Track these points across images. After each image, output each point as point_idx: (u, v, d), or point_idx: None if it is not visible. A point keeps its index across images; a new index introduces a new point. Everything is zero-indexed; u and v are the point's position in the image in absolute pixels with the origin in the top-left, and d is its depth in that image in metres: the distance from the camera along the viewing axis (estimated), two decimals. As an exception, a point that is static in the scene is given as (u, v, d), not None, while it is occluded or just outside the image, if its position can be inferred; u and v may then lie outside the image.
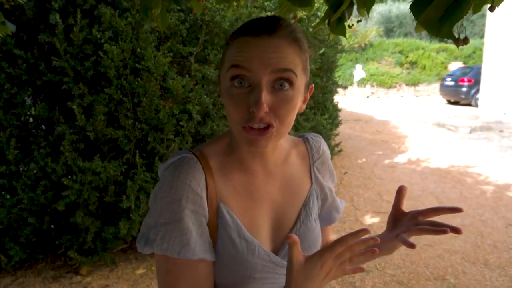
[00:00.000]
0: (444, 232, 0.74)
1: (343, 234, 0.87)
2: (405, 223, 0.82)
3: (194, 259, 0.70)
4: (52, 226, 2.95)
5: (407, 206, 3.95)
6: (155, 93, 2.89)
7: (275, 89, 0.66)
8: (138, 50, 2.84)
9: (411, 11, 0.58)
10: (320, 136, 0.93)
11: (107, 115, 2.82)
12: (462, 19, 0.54)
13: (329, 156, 0.93)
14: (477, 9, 0.66)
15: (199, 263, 0.71)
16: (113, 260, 3.07)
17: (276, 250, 0.79)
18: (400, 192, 0.84)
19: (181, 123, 2.98)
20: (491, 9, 0.66)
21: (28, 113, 2.79)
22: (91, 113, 2.76)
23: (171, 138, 2.96)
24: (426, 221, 0.81)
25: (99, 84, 2.85)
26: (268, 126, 0.67)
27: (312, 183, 0.87)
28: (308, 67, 0.74)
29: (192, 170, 0.71)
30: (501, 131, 9.15)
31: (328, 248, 0.62)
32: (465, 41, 0.67)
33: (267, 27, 0.67)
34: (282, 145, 0.85)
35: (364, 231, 0.62)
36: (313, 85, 0.79)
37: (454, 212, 0.80)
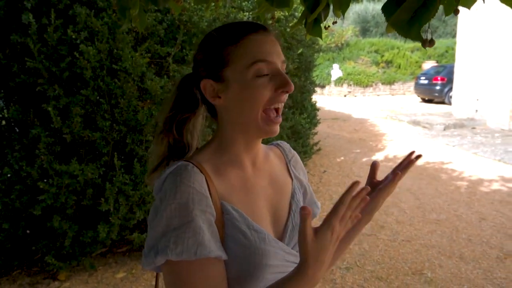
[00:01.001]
0: (396, 175, 0.86)
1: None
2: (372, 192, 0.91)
3: (211, 256, 0.70)
4: (28, 231, 2.88)
5: (386, 202, 4.02)
6: (133, 94, 2.86)
7: None
8: (115, 50, 2.81)
9: (382, 12, 0.61)
10: (286, 142, 1.04)
11: (84, 117, 2.77)
12: (429, 22, 0.56)
13: (298, 156, 1.03)
14: (449, 11, 0.69)
15: (216, 261, 0.72)
16: (92, 265, 3.02)
17: (279, 239, 0.83)
18: (374, 166, 0.94)
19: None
20: (456, 12, 0.69)
21: (1, 115, 2.72)
22: (67, 115, 2.70)
23: (150, 140, 2.94)
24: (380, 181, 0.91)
25: (75, 85, 2.79)
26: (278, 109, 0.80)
27: (292, 179, 0.95)
28: None
29: (193, 173, 0.74)
30: (473, 128, 9.44)
31: (332, 213, 0.64)
32: (431, 42, 0.70)
33: (261, 25, 0.80)
34: (260, 145, 0.91)
35: (356, 183, 0.64)
36: None
37: (414, 161, 0.89)
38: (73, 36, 2.67)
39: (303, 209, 0.62)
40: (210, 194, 0.74)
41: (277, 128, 0.79)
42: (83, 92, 2.70)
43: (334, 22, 1.24)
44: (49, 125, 2.68)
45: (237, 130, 0.81)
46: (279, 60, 0.79)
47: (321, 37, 1.03)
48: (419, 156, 0.88)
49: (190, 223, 0.69)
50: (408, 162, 0.88)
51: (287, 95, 0.80)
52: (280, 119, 0.80)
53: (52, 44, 2.65)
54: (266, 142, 0.93)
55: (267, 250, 0.76)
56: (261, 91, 0.76)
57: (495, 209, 4.36)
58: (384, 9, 0.60)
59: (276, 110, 0.79)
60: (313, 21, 0.96)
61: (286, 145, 1.02)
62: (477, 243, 3.55)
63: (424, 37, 0.63)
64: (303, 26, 1.10)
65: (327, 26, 1.10)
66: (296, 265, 0.73)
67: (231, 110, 0.80)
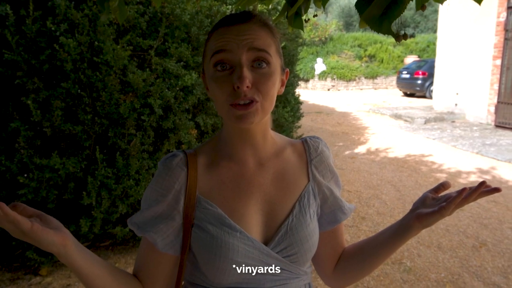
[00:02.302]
0: (494, 190, 0.74)
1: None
2: (430, 204, 0.81)
3: (148, 239, 0.79)
4: (8, 226, 2.84)
5: (368, 194, 4.09)
6: (115, 87, 2.83)
7: (254, 68, 0.74)
8: (96, 43, 2.77)
9: (355, 8, 0.63)
10: (321, 138, 0.95)
11: (65, 110, 2.73)
12: (400, 17, 0.59)
13: (330, 156, 0.93)
14: (418, 5, 0.72)
15: (150, 245, 0.80)
16: (75, 259, 3.00)
17: (266, 241, 0.81)
18: (443, 186, 0.84)
19: (142, 117, 2.94)
20: (423, 8, 0.71)
21: (-22, 109, 2.66)
22: (47, 109, 2.67)
23: (133, 133, 2.92)
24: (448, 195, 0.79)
25: (55, 78, 2.75)
26: (252, 101, 0.73)
27: (309, 180, 0.88)
28: (281, 50, 0.82)
29: (174, 167, 0.80)
30: (453, 121, 9.65)
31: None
32: (404, 37, 0.72)
33: (241, 18, 0.76)
34: (274, 140, 0.88)
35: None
36: (288, 69, 0.85)
37: (490, 193, 0.74)
38: (53, 28, 2.62)
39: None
40: (187, 186, 0.80)
41: (248, 121, 0.73)
42: (64, 85, 2.67)
43: (315, 15, 1.26)
44: (29, 118, 2.64)
45: (225, 121, 0.83)
46: (243, 49, 0.72)
47: (302, 30, 1.04)
48: (495, 190, 0.74)
49: (152, 207, 0.80)
50: (482, 191, 0.74)
51: (252, 91, 0.72)
52: (251, 115, 0.73)
53: (31, 36, 2.60)
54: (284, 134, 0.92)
55: (235, 245, 0.76)
56: (219, 86, 0.73)
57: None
58: (357, 5, 0.63)
59: (237, 105, 0.72)
60: (294, 14, 0.98)
61: (315, 143, 0.92)
62: (455, 233, 3.66)
63: (400, 32, 0.65)
64: (285, 19, 1.12)
65: (307, 19, 1.12)
66: (279, 269, 0.80)
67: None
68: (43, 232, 0.63)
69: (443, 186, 0.83)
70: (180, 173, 0.80)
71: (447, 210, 0.74)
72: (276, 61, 0.77)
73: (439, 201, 0.79)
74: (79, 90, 2.74)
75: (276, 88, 0.78)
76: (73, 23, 2.72)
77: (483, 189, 0.74)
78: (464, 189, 0.74)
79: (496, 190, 0.73)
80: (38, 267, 2.89)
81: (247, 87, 0.71)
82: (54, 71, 2.73)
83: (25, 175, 2.62)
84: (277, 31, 0.81)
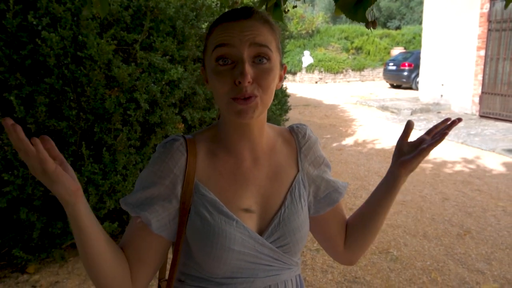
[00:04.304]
0: (445, 134, 0.83)
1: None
2: (408, 150, 0.90)
3: (142, 219, 0.79)
4: (-6, 224, 2.81)
5: (355, 185, 4.14)
6: (100, 82, 2.80)
7: (255, 63, 0.75)
8: (80, 37, 2.73)
9: (332, -2, 0.64)
10: (306, 125, 0.98)
11: (49, 106, 2.70)
12: (372, 6, 0.59)
13: (316, 140, 0.96)
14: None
15: (145, 227, 0.79)
16: (63, 256, 2.98)
17: (260, 232, 0.82)
18: (408, 126, 0.92)
19: (128, 112, 2.92)
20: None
21: (-40, 106, 2.61)
22: (31, 104, 2.63)
23: (119, 128, 2.90)
24: (422, 137, 0.91)
25: (39, 73, 2.71)
26: (251, 96, 0.74)
27: (298, 170, 0.90)
28: (280, 47, 0.83)
29: (174, 150, 0.80)
30: (439, 112, 9.78)
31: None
32: (374, 24, 0.74)
33: (243, 14, 0.77)
34: (269, 134, 0.90)
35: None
36: (285, 65, 0.87)
37: (453, 125, 0.86)
38: (34, 22, 2.58)
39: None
40: (186, 172, 0.80)
41: (248, 116, 0.75)
42: (47, 81, 2.63)
43: (294, 7, 1.27)
44: (12, 114, 2.59)
45: (223, 115, 0.84)
46: (245, 45, 0.73)
47: (282, 20, 1.05)
48: (458, 120, 0.87)
49: (149, 188, 0.79)
50: (448, 125, 0.87)
51: (253, 87, 0.74)
52: (251, 110, 0.74)
53: (11, 30, 2.55)
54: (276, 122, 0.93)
55: (232, 233, 0.77)
56: (221, 80, 0.74)
57: (457, 189, 4.57)
58: (333, -6, 0.64)
59: (238, 99, 0.74)
60: (273, 5, 0.98)
61: (302, 130, 0.95)
62: (440, 221, 3.73)
63: (370, 19, 0.66)
64: (264, 10, 1.12)
65: (286, 10, 1.12)
66: (272, 258, 0.81)
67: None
68: (63, 176, 0.66)
69: (409, 127, 0.92)
70: (180, 158, 0.80)
71: (427, 151, 0.84)
72: (276, 57, 0.79)
73: (415, 145, 0.89)
74: (63, 85, 2.70)
75: (275, 83, 0.80)
76: (55, 17, 2.68)
77: (448, 123, 0.86)
78: (431, 129, 0.90)
79: (459, 120, 0.86)
80: (25, 265, 2.87)
81: (248, 82, 0.73)
82: (37, 66, 2.68)
83: (10, 173, 2.59)
84: (278, 28, 0.83)
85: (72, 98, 2.76)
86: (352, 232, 0.97)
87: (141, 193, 0.80)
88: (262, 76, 0.75)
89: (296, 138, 0.93)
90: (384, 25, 31.28)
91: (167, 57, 3.16)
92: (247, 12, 0.77)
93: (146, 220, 0.78)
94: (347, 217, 0.99)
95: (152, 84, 3.02)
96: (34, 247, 2.82)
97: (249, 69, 0.73)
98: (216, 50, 0.75)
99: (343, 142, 7.03)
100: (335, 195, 0.94)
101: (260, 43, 0.75)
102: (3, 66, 2.56)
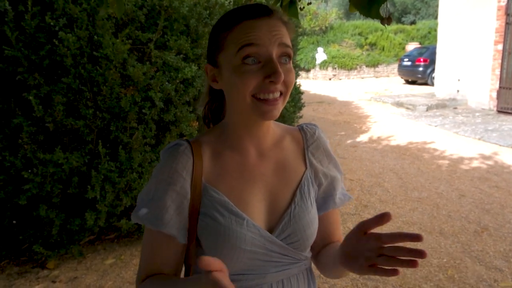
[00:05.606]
0: (395, 272, 0.68)
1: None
2: (364, 244, 0.72)
3: (164, 232, 0.79)
4: (14, 221, 2.88)
5: (370, 182, 4.09)
6: (115, 81, 2.84)
7: (281, 63, 0.76)
8: (95, 37, 2.78)
9: (346, -5, 0.64)
10: (317, 125, 0.97)
11: (66, 105, 2.75)
12: (386, 1, 0.60)
13: (326, 142, 0.95)
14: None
15: (168, 238, 0.80)
16: (81, 252, 3.04)
17: (270, 229, 0.83)
18: (382, 218, 0.70)
19: (143, 110, 2.96)
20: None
21: (-19, 106, 2.68)
22: (49, 104, 2.68)
23: (134, 126, 2.94)
24: (388, 247, 0.71)
25: (56, 73, 2.77)
26: (280, 94, 0.77)
27: (306, 167, 0.90)
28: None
29: (180, 154, 0.81)
30: (455, 108, 9.62)
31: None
32: (389, 20, 0.74)
33: (264, 11, 0.77)
34: (274, 130, 0.90)
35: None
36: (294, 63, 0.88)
37: (414, 241, 0.68)
38: (52, 23, 2.63)
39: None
40: (193, 175, 0.80)
41: (273, 115, 0.76)
42: (64, 80, 2.68)
43: (309, 3, 1.27)
44: (31, 114, 2.66)
45: (235, 114, 0.83)
46: (274, 44, 0.74)
47: (297, 18, 1.06)
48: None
49: (160, 198, 0.79)
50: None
51: (280, 85, 0.76)
52: (276, 110, 0.76)
53: (30, 31, 2.61)
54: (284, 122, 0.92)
55: (243, 234, 0.78)
56: (247, 77, 0.74)
57: (474, 186, 4.50)
58: (348, -9, 0.64)
59: (266, 100, 0.75)
60: (288, 2, 0.98)
61: (311, 129, 0.95)
62: (456, 218, 3.68)
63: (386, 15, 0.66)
64: (279, 7, 1.13)
65: (302, 7, 1.13)
66: (281, 255, 0.82)
67: (226, 94, 0.82)
68: None
69: (385, 218, 0.69)
70: (187, 161, 0.80)
71: (367, 272, 0.70)
72: (293, 57, 0.81)
73: (368, 244, 0.71)
74: (79, 85, 2.76)
75: None
76: (72, 17, 2.72)
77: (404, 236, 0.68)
78: (365, 226, 0.72)
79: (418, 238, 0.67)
80: (45, 261, 2.94)
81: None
82: (54, 66, 2.74)
83: (29, 171, 2.65)
84: (292, 26, 0.84)
85: (88, 97, 2.81)
86: (322, 257, 0.94)
87: (154, 204, 0.79)
88: (287, 75, 0.77)
89: (305, 136, 0.93)
90: (399, 20, 30.86)
91: (181, 55, 3.19)
92: (267, 10, 0.77)
93: (172, 233, 0.79)
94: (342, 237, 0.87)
95: (167, 83, 3.06)
96: (53, 243, 2.89)
97: (280, 69, 0.74)
98: (244, 49, 0.74)
99: (358, 139, 6.98)
100: (330, 203, 0.92)
101: (286, 43, 0.77)
102: (22, 67, 2.62)
